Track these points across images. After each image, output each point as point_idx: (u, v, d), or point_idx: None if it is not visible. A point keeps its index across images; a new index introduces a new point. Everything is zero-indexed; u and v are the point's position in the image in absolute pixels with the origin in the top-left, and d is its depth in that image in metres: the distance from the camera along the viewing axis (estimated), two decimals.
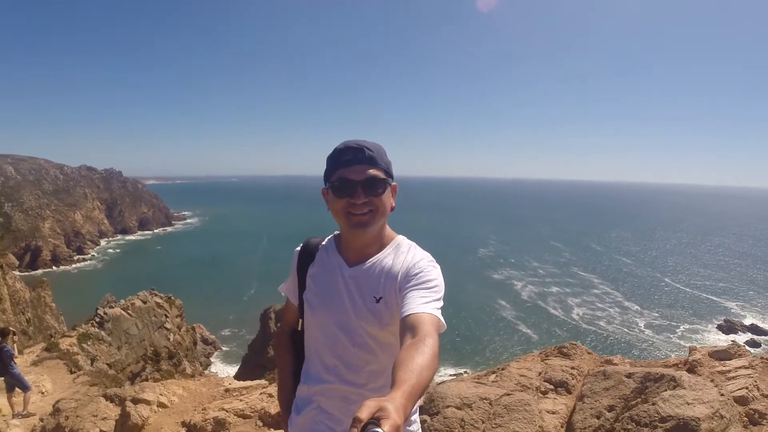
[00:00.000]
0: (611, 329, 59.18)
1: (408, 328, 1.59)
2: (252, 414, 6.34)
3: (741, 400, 4.13)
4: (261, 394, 6.87)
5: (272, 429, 6.07)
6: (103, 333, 24.66)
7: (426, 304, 1.66)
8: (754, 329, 57.62)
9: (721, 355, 5.10)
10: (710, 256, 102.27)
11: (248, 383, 7.76)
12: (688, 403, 3.65)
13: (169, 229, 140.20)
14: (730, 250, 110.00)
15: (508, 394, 4.31)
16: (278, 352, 2.33)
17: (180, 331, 33.38)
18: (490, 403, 4.17)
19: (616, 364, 5.13)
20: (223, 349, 52.52)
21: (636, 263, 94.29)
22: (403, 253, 1.93)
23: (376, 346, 1.87)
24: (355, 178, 1.83)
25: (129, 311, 28.50)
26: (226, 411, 6.35)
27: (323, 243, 2.11)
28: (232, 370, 42.22)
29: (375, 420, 1.08)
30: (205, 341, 50.71)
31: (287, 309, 2.28)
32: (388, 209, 1.92)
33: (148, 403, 6.79)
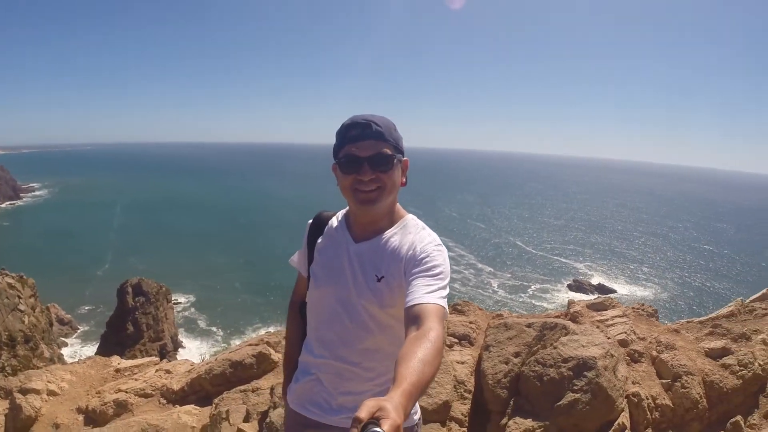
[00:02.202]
0: (466, 291, 62.01)
1: (412, 319, 1.59)
2: (153, 392, 6.14)
3: (622, 343, 4.76)
4: (157, 371, 6.70)
5: (177, 405, 5.95)
6: None
7: (431, 293, 1.66)
8: (600, 288, 62.28)
9: (597, 306, 5.74)
10: (555, 220, 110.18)
11: (139, 361, 7.48)
12: (584, 346, 4.15)
13: (17, 202, 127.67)
14: (572, 216, 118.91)
15: None
16: (287, 323, 2.35)
17: (35, 312, 30.97)
18: None
19: (506, 318, 5.62)
20: (81, 328, 49.52)
21: (487, 227, 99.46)
22: (410, 233, 1.91)
23: (374, 326, 1.88)
24: (361, 154, 1.80)
25: None
26: (125, 392, 6.12)
27: (334, 217, 2.10)
28: (92, 349, 40.07)
29: (375, 420, 1.09)
30: (61, 321, 47.59)
31: (299, 281, 2.28)
32: (397, 186, 1.90)
33: (37, 392, 6.33)
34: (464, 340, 5.25)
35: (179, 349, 42.48)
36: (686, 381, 4.28)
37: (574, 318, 5.41)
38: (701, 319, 5.34)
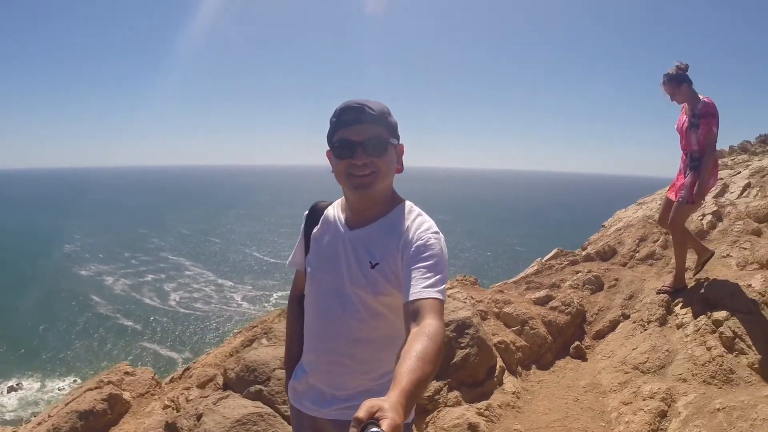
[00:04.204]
0: (209, 309, 60.02)
1: (412, 314, 1.58)
2: None
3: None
4: None
5: None
6: None
7: (429, 287, 1.62)
8: None
9: None
10: (288, 228, 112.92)
11: None
12: (453, 311, 4.92)
13: None
14: (299, 222, 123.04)
15: None
16: (286, 318, 2.33)
17: None
18: None
19: None
20: None
21: (223, 241, 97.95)
22: (406, 219, 1.86)
23: (367, 314, 1.84)
24: (355, 138, 1.76)
25: None
26: None
27: (330, 206, 2.08)
28: None
29: (375, 420, 1.10)
30: None
31: (297, 275, 2.26)
32: (392, 171, 1.87)
33: None
34: None
35: None
36: (532, 324, 5.36)
37: None
38: (514, 279, 6.57)
